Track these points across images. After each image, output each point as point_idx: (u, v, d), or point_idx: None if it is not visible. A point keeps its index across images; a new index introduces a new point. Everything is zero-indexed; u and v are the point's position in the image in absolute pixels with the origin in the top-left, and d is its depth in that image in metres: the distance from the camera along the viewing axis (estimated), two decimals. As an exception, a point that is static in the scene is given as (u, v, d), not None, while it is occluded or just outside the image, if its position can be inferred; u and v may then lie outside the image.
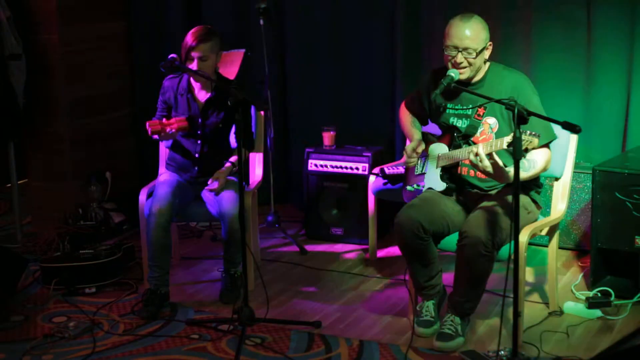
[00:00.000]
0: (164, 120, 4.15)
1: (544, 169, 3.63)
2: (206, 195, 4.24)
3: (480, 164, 3.41)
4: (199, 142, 4.25)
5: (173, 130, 4.10)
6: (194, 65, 4.07)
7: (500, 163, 3.42)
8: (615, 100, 4.58)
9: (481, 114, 3.66)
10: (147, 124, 4.08)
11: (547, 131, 3.57)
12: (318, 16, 5.41)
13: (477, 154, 3.41)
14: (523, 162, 3.49)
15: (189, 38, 4.09)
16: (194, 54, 4.06)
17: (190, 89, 4.24)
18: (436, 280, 3.79)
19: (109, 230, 5.07)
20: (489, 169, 3.42)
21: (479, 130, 3.66)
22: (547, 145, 3.61)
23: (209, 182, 4.17)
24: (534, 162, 3.56)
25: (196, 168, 4.28)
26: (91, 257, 4.39)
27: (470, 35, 3.56)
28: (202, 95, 4.25)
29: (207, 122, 4.22)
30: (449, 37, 3.61)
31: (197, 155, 4.27)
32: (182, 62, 4.08)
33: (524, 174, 3.49)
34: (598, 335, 3.72)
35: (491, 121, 3.64)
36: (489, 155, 3.40)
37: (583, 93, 4.65)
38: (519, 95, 3.45)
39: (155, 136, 4.12)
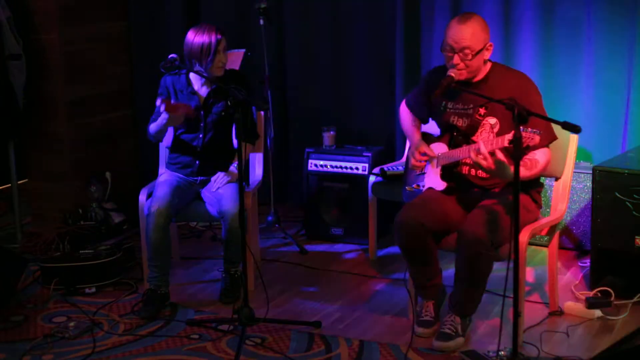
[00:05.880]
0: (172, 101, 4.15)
1: (545, 169, 3.62)
2: (206, 195, 4.24)
3: (484, 162, 3.40)
4: (200, 135, 4.25)
5: (181, 110, 4.06)
6: (221, 58, 4.11)
7: (505, 161, 3.41)
8: (615, 100, 4.58)
9: (482, 113, 3.65)
10: (159, 99, 4.03)
11: (548, 131, 3.57)
12: (318, 16, 5.41)
13: (479, 152, 3.40)
14: (525, 161, 3.49)
15: (206, 36, 4.08)
16: (222, 46, 4.11)
17: (189, 84, 4.25)
18: (436, 280, 3.79)
19: (109, 230, 5.07)
20: (493, 166, 3.41)
21: (479, 130, 3.65)
22: (547, 146, 3.60)
23: (211, 180, 4.19)
24: (535, 162, 3.55)
25: (198, 162, 4.27)
26: (91, 257, 4.39)
27: (467, 35, 3.55)
28: (203, 90, 4.25)
29: (209, 114, 4.22)
30: (446, 37, 3.60)
31: (199, 148, 4.26)
32: (203, 60, 4.08)
33: (526, 173, 3.49)
34: (598, 335, 3.72)
35: (492, 121, 3.63)
36: (492, 153, 3.39)
37: (583, 92, 4.65)
38: (522, 95, 3.44)
39: (164, 114, 4.04)
